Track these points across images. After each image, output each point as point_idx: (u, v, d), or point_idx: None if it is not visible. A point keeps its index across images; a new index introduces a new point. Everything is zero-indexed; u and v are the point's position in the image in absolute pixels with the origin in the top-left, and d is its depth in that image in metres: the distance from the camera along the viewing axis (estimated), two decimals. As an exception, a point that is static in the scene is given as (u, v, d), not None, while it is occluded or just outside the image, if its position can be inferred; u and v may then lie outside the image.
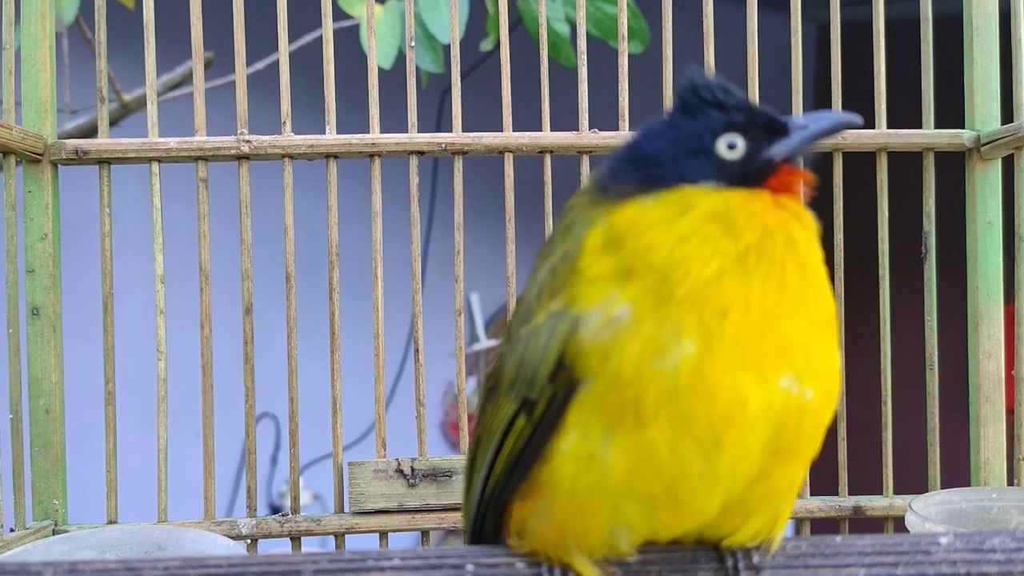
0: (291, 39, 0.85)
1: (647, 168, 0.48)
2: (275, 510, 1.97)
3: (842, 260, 0.84)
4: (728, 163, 0.48)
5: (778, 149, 0.48)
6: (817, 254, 0.47)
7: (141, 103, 1.22)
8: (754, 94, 0.84)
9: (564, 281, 0.47)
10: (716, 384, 0.43)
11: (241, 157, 0.82)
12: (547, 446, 0.46)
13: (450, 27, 0.86)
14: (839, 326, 0.50)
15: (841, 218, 0.84)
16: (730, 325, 0.43)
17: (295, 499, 0.83)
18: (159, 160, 0.82)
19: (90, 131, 1.15)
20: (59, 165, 0.82)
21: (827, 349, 0.46)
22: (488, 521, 0.52)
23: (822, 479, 0.85)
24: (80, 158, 0.81)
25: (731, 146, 0.48)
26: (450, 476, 0.81)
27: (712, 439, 0.44)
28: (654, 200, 0.47)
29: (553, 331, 0.46)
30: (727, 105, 0.48)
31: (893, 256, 0.85)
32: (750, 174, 0.48)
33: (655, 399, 0.43)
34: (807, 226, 0.48)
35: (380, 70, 0.87)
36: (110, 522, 0.81)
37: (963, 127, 0.86)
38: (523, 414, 0.47)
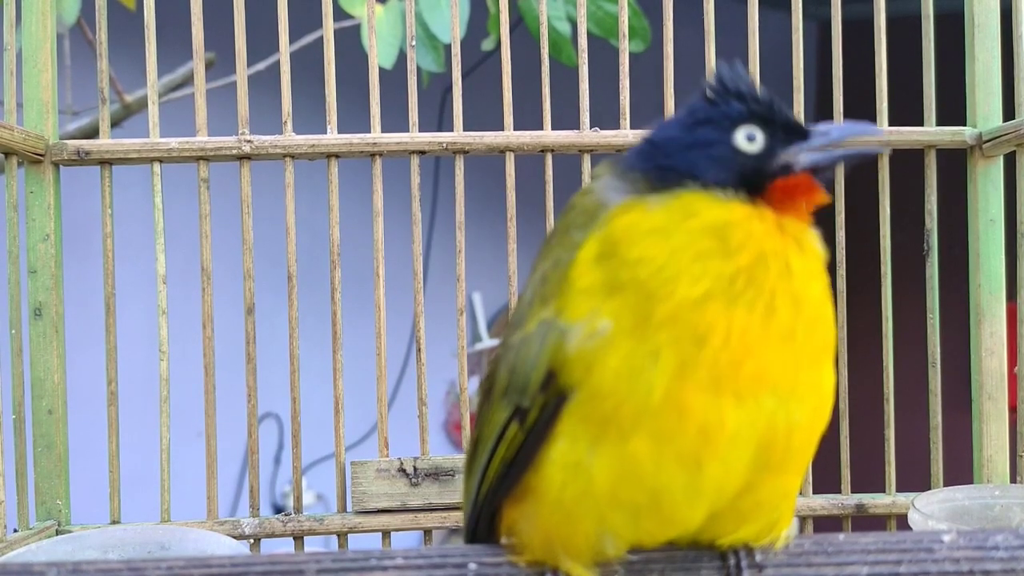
0: (292, 39, 0.85)
1: (655, 159, 0.47)
2: (278, 510, 1.97)
3: (844, 258, 0.84)
4: (743, 156, 0.46)
5: (804, 157, 0.46)
6: (817, 285, 0.45)
7: (142, 104, 1.22)
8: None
9: (555, 289, 0.46)
10: (689, 406, 0.42)
11: (242, 157, 0.82)
12: (538, 454, 0.46)
13: (451, 26, 0.86)
14: (840, 328, 0.48)
15: (843, 216, 0.84)
16: (707, 353, 0.42)
17: (298, 499, 0.83)
18: (161, 160, 0.82)
19: (92, 132, 1.15)
20: (61, 166, 0.82)
21: (817, 374, 0.45)
22: (482, 523, 0.52)
23: (824, 477, 0.84)
24: (82, 159, 0.81)
25: (750, 138, 0.46)
26: (452, 475, 0.81)
27: (692, 456, 0.43)
28: (657, 204, 0.45)
29: (543, 340, 0.45)
30: (750, 97, 0.46)
31: (895, 254, 0.85)
32: (765, 173, 0.46)
33: (633, 415, 0.43)
34: (809, 254, 0.46)
35: (381, 70, 0.87)
36: (113, 522, 0.81)
37: (965, 124, 0.86)
38: (515, 421, 0.47)
